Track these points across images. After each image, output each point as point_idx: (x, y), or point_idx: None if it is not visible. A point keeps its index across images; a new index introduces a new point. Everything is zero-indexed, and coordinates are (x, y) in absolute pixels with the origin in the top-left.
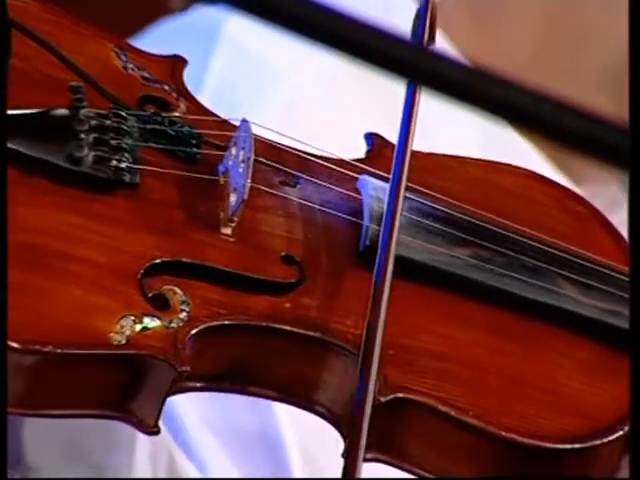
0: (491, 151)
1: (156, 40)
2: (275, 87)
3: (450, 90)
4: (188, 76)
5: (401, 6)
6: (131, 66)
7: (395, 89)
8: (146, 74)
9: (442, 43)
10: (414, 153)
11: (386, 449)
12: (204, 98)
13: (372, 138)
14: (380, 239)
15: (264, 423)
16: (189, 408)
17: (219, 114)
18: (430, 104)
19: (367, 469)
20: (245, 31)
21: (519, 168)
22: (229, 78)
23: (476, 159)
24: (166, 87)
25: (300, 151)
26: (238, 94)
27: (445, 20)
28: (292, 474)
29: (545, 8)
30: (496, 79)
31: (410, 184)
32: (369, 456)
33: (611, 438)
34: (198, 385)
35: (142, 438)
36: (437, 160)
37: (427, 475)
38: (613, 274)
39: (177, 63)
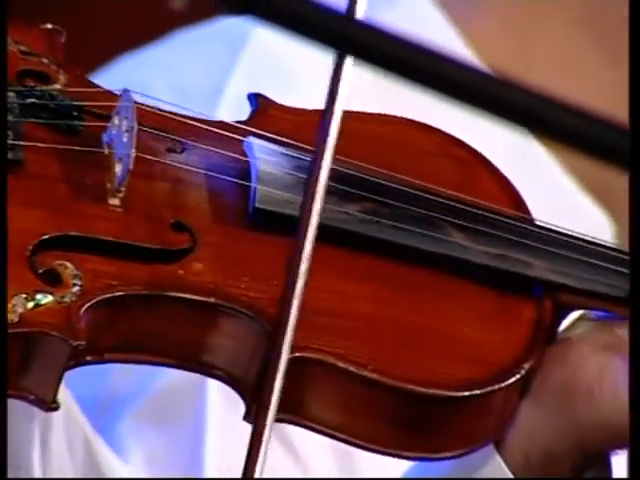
0: (515, 164)
1: (179, 45)
2: (300, 97)
3: (453, 91)
4: (211, 81)
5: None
6: (8, 40)
7: (428, 105)
8: (23, 47)
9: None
10: (298, 111)
11: (289, 409)
12: (226, 102)
13: (256, 98)
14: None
15: None
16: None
17: (241, 120)
18: (450, 115)
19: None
20: (273, 40)
21: (399, 117)
22: (253, 85)
23: (357, 112)
24: (45, 60)
25: (185, 117)
26: None
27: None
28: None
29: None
30: (497, 80)
31: (295, 142)
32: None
33: (509, 382)
34: (97, 358)
35: (55, 415)
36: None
37: (331, 432)
38: (500, 218)
39: (54, 34)
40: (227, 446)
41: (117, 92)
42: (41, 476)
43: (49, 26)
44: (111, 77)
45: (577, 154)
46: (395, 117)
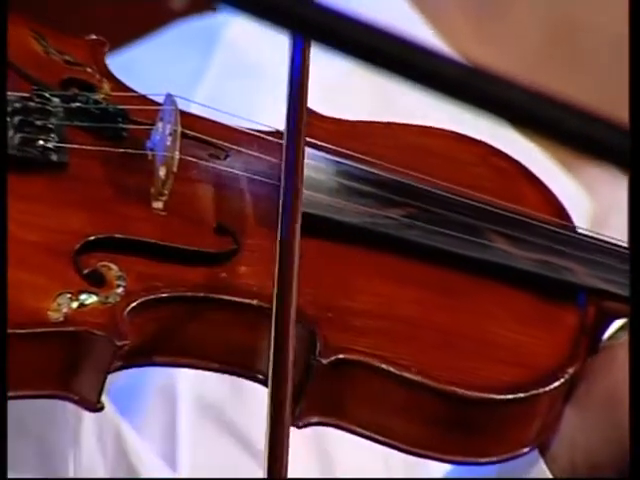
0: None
1: (156, 46)
2: (271, 95)
3: (449, 89)
4: (183, 80)
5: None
6: (52, 50)
7: (399, 104)
8: (67, 57)
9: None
10: (340, 122)
11: (331, 412)
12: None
13: None
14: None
15: None
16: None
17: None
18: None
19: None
20: (244, 38)
21: (440, 129)
22: (224, 84)
23: (399, 123)
24: (89, 69)
25: (228, 125)
26: (232, 101)
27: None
28: None
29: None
30: (495, 78)
31: (338, 148)
32: (314, 420)
33: (553, 386)
34: (144, 360)
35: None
36: (362, 127)
37: (372, 435)
38: (541, 225)
39: (97, 45)
40: (198, 449)
41: (160, 99)
42: (72, 468)
43: (93, 37)
44: None
45: (576, 154)
46: (439, 129)
